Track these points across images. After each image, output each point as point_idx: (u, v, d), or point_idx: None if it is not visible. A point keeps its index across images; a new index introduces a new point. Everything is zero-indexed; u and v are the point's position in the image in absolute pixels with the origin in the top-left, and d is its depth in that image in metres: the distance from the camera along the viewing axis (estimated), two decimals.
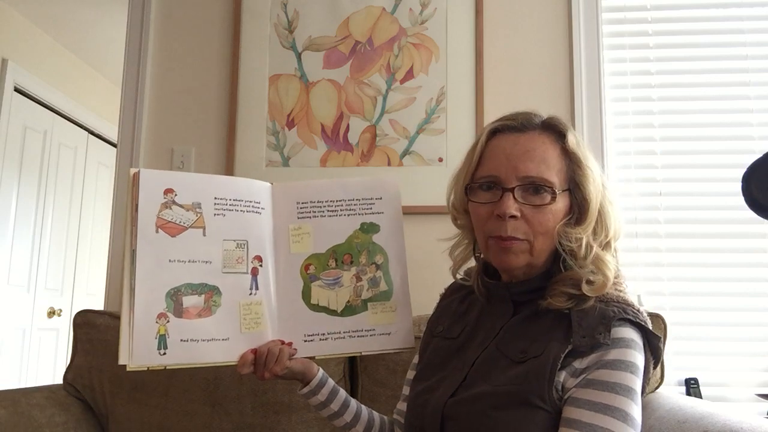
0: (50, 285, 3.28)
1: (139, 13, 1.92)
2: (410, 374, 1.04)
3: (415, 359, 1.04)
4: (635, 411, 0.75)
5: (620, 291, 0.86)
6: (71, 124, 3.45)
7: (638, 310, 0.83)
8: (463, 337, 0.93)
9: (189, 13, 1.93)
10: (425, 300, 1.26)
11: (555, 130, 0.90)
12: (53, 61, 3.30)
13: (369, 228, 1.10)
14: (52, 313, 3.27)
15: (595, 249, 0.85)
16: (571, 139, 0.89)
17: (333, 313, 1.06)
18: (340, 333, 1.06)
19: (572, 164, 0.88)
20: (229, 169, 1.81)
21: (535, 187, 0.85)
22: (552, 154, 0.87)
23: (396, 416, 1.04)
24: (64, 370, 1.53)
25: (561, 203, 0.87)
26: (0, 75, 2.89)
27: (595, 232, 0.87)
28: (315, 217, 1.09)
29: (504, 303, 0.90)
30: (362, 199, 1.11)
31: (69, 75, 3.42)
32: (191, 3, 1.93)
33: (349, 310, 1.07)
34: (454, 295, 1.03)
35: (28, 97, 3.09)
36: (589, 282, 0.83)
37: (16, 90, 3.01)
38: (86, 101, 3.55)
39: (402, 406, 1.03)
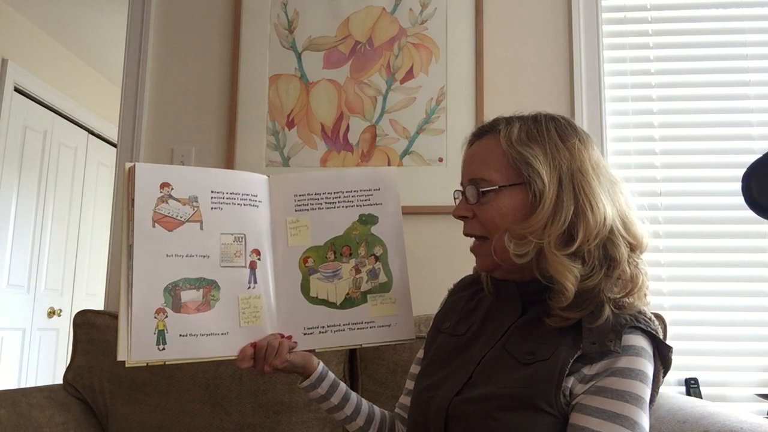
0: (50, 285, 3.28)
1: (139, 13, 1.92)
2: (414, 369, 1.03)
3: (420, 354, 1.04)
4: (644, 419, 0.74)
5: (633, 301, 0.82)
6: (71, 124, 3.45)
7: (650, 319, 0.81)
8: (470, 334, 0.92)
9: (189, 13, 1.93)
10: (426, 299, 1.26)
11: (496, 129, 0.90)
12: (53, 61, 3.30)
13: (367, 219, 1.09)
14: (52, 313, 3.27)
15: (534, 244, 0.81)
16: (506, 134, 0.87)
17: (332, 305, 1.05)
18: (339, 325, 1.05)
19: (515, 158, 0.86)
20: (229, 169, 1.80)
21: (475, 186, 0.88)
22: (492, 153, 0.88)
23: (398, 410, 1.04)
24: (64, 370, 1.53)
25: (507, 198, 0.86)
26: (0, 75, 2.89)
27: (544, 227, 0.82)
28: (313, 209, 1.08)
29: (513, 302, 0.90)
30: (360, 190, 1.09)
31: (69, 75, 3.42)
32: (191, 3, 1.93)
33: (349, 302, 1.06)
34: (462, 292, 1.03)
35: (28, 97, 3.10)
36: (557, 293, 0.80)
37: (16, 90, 3.01)
38: (86, 101, 3.55)
39: (405, 400, 1.03)
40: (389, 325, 1.06)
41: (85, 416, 1.46)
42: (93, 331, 1.50)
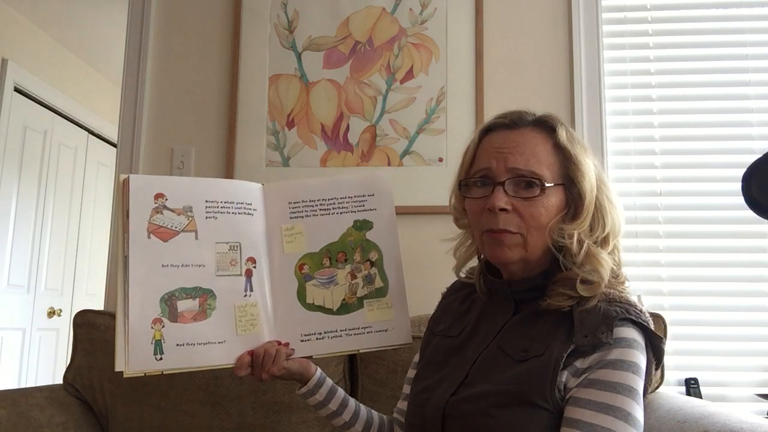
0: (50, 285, 3.28)
1: (139, 13, 1.92)
2: (411, 373, 1.04)
3: (416, 358, 1.04)
4: (637, 411, 0.75)
5: (621, 291, 0.86)
6: (71, 124, 3.45)
7: (641, 311, 0.82)
8: (464, 335, 0.93)
9: (189, 13, 1.93)
10: (425, 300, 1.26)
11: (546, 125, 0.90)
12: (53, 61, 3.30)
13: (362, 225, 1.09)
14: (52, 313, 3.27)
15: (586, 245, 0.85)
16: (562, 134, 0.89)
17: (329, 311, 1.05)
18: (336, 331, 1.05)
19: (565, 159, 0.88)
20: (229, 169, 1.81)
21: (525, 180, 0.86)
22: (542, 149, 0.88)
23: (396, 415, 1.04)
24: (64, 370, 1.53)
25: (554, 198, 0.87)
26: (0, 75, 2.89)
27: (591, 229, 0.87)
28: (307, 216, 1.08)
29: (505, 301, 0.90)
30: (354, 196, 1.10)
31: (69, 75, 3.42)
32: (191, 3, 1.93)
33: (345, 308, 1.06)
34: (455, 295, 1.03)
35: (28, 97, 3.10)
36: (584, 281, 0.83)
37: (16, 90, 3.01)
38: (86, 101, 3.55)
39: (402, 404, 1.03)
40: (386, 330, 1.06)
41: (85, 416, 1.46)
42: (93, 331, 1.50)
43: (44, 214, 3.23)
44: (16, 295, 3.04)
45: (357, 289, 1.07)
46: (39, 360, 3.19)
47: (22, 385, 2.99)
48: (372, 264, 1.08)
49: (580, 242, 0.85)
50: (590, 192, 0.87)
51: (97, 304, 2.05)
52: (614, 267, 0.88)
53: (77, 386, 1.50)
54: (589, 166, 0.88)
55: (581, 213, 0.86)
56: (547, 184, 0.86)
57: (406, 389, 1.03)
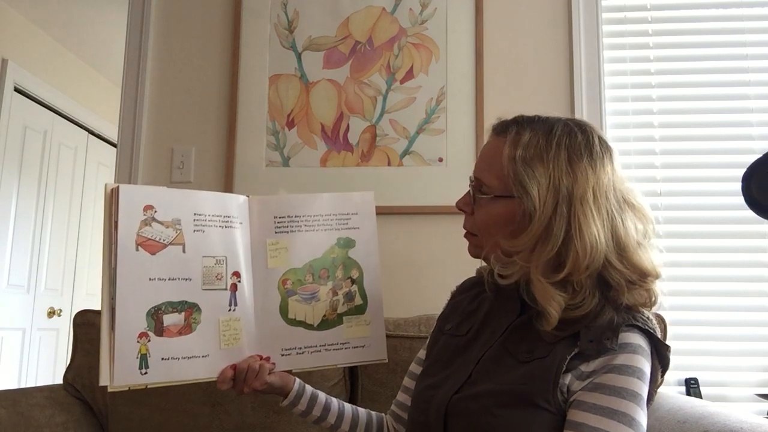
0: (50, 285, 3.28)
1: (139, 13, 1.92)
2: (414, 368, 1.05)
3: (421, 354, 1.05)
4: (641, 416, 0.75)
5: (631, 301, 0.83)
6: (71, 124, 3.45)
7: (648, 318, 0.82)
8: (471, 334, 0.93)
9: (189, 13, 1.93)
10: (425, 299, 1.26)
11: (506, 134, 0.88)
12: (53, 61, 3.30)
13: (345, 243, 1.11)
14: (52, 313, 3.27)
15: (523, 268, 0.82)
16: (508, 146, 0.85)
17: (309, 327, 1.07)
18: (316, 346, 1.07)
19: (512, 175, 0.83)
20: (229, 169, 1.81)
21: (477, 186, 0.90)
22: (498, 157, 0.86)
23: (394, 407, 1.05)
24: (64, 370, 1.53)
25: (499, 207, 0.86)
26: (0, 75, 2.89)
27: (532, 250, 0.81)
28: (292, 231, 1.09)
29: (512, 301, 0.90)
30: (338, 214, 1.12)
31: (69, 75, 3.42)
32: (191, 3, 1.93)
33: (325, 323, 1.08)
34: (464, 294, 1.04)
35: (28, 97, 3.10)
36: (542, 316, 0.80)
37: (16, 90, 3.01)
38: (86, 101, 3.55)
39: (401, 397, 1.04)
40: (363, 346, 1.10)
41: (85, 416, 1.46)
42: (93, 331, 1.50)
43: (44, 214, 3.23)
44: (16, 295, 3.04)
45: (337, 305, 1.09)
46: (39, 360, 3.19)
47: (22, 385, 2.99)
48: (353, 281, 1.11)
49: (512, 263, 0.82)
50: (542, 211, 0.80)
51: (97, 304, 2.04)
52: (631, 301, 0.81)
53: (77, 386, 1.50)
54: (539, 181, 0.80)
55: (523, 231, 0.82)
56: (484, 193, 0.87)
57: (408, 383, 1.04)
